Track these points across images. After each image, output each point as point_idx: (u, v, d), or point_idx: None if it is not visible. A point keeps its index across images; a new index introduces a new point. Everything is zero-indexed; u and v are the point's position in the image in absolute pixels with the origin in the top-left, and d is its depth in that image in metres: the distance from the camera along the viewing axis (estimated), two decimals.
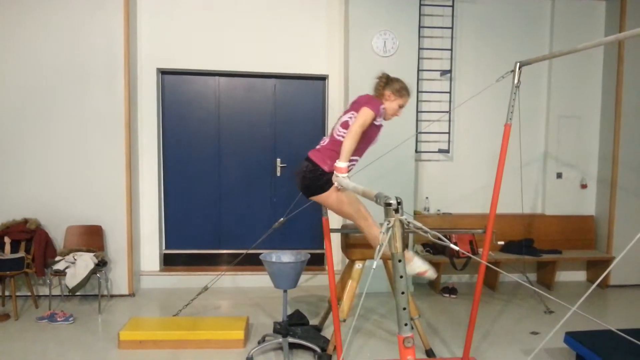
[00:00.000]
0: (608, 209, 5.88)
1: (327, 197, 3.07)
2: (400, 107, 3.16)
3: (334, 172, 2.94)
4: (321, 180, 3.04)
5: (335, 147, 3.03)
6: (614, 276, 5.82)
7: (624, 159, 5.77)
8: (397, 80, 3.16)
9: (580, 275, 6.21)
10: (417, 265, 2.95)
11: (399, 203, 1.66)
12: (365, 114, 2.95)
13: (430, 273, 2.97)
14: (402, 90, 3.14)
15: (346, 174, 2.90)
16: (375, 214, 3.31)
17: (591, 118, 6.05)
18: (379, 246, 1.63)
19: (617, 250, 5.79)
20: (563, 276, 6.12)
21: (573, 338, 3.66)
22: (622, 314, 5.07)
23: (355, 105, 3.10)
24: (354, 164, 3.15)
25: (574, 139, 6.03)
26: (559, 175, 6.04)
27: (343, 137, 3.01)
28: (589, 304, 5.22)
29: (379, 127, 3.13)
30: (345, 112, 3.19)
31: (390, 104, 3.12)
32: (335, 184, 2.94)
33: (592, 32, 5.88)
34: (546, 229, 5.99)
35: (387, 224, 1.63)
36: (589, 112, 6.04)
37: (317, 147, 3.20)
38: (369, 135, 3.07)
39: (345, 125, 3.06)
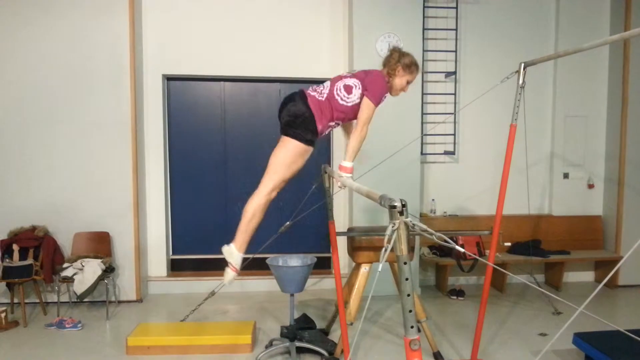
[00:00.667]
0: (616, 209, 5.84)
1: (293, 144, 2.93)
2: (408, 83, 3.10)
3: (339, 170, 2.95)
4: (307, 134, 2.93)
5: (331, 106, 2.96)
6: (623, 276, 5.78)
7: (631, 158, 5.73)
8: (407, 54, 3.08)
9: (589, 276, 6.17)
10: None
11: (403, 205, 1.65)
12: (368, 109, 2.93)
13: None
14: (412, 66, 3.06)
15: (350, 174, 2.91)
16: (379, 217, 3.31)
17: (597, 117, 6.02)
18: (383, 249, 1.63)
19: (626, 250, 5.74)
20: (571, 277, 6.08)
21: (582, 339, 3.64)
22: (632, 314, 5.04)
23: (365, 81, 2.97)
24: (334, 126, 3.10)
25: (580, 138, 6.00)
26: (566, 176, 6.01)
27: (342, 98, 2.95)
28: (597, 305, 5.19)
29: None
30: (353, 76, 3.06)
31: (399, 79, 3.06)
32: (339, 184, 2.94)
33: (597, 31, 5.86)
34: (553, 230, 5.96)
35: (392, 227, 1.63)
36: (595, 111, 6.01)
37: (317, 94, 3.02)
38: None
39: (349, 90, 2.96)
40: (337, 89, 2.99)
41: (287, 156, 2.94)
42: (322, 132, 2.99)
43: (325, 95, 2.99)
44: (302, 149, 2.94)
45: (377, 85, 2.96)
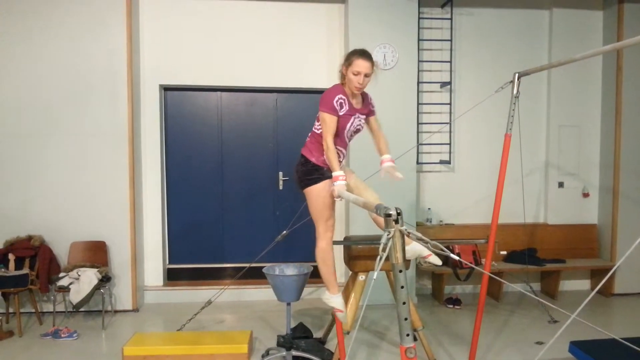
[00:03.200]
0: (611, 217, 5.87)
1: (312, 191, 3.20)
2: (355, 74, 3.03)
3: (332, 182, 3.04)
4: (313, 173, 3.20)
5: (314, 139, 3.24)
6: (618, 285, 5.80)
7: (625, 166, 5.77)
8: (349, 52, 3.15)
9: (585, 284, 6.19)
10: (419, 249, 3.08)
11: (398, 214, 1.67)
12: (324, 121, 3.06)
13: (433, 258, 3.10)
14: (349, 58, 3.07)
15: (342, 182, 2.98)
16: (376, 226, 3.33)
17: (591, 126, 6.07)
18: (378, 257, 1.64)
19: (621, 258, 5.76)
20: (567, 285, 6.09)
21: (578, 347, 3.65)
22: (627, 322, 5.05)
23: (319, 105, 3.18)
24: (339, 154, 3.19)
25: (575, 147, 6.04)
26: (561, 185, 6.05)
27: (317, 129, 3.20)
28: (594, 313, 5.20)
29: (349, 115, 3.12)
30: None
31: (348, 77, 3.07)
32: (335, 194, 2.99)
33: (590, 41, 5.92)
34: (549, 238, 5.99)
35: (387, 235, 1.65)
36: (589, 120, 6.06)
37: (307, 139, 3.34)
38: (341, 125, 3.12)
39: (318, 119, 3.19)
40: (315, 126, 3.26)
41: (313, 203, 3.22)
42: (324, 162, 3.19)
43: (309, 136, 3.31)
44: (317, 189, 3.18)
45: (324, 97, 3.10)
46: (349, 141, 3.31)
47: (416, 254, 3.09)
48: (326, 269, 3.30)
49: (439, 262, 3.13)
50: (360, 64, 3.02)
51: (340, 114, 3.08)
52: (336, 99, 3.06)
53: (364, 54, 3.06)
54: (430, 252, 3.11)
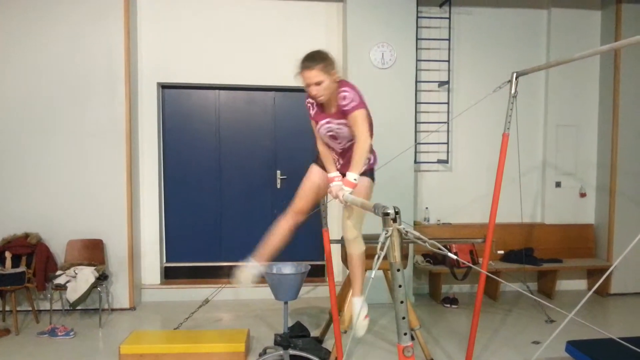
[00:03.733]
0: (607, 217, 5.88)
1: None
2: (306, 85, 2.84)
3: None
4: (315, 156, 3.24)
5: None
6: (615, 284, 5.81)
7: (623, 166, 5.78)
8: None
9: (581, 284, 6.20)
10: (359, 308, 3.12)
11: (396, 212, 1.67)
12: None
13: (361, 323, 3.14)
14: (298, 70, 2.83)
15: (338, 183, 2.95)
16: (374, 225, 3.32)
17: (589, 126, 6.08)
18: (376, 256, 1.64)
19: (617, 258, 5.77)
20: (564, 285, 6.10)
21: (574, 347, 3.65)
22: (624, 322, 5.06)
23: None
24: (333, 148, 3.15)
25: (572, 147, 6.05)
26: (558, 184, 6.05)
27: None
28: (590, 313, 5.21)
29: (315, 121, 3.04)
30: None
31: None
32: (333, 194, 2.96)
33: (588, 41, 5.93)
34: (546, 238, 5.99)
35: (385, 234, 1.65)
36: (587, 120, 6.07)
37: None
38: (318, 131, 3.07)
39: None
40: None
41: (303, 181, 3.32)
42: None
43: None
44: (308, 169, 3.24)
45: None
46: (340, 145, 3.04)
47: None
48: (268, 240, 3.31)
49: (359, 334, 3.19)
50: (305, 76, 2.79)
51: (311, 114, 3.08)
52: (306, 102, 3.10)
53: (302, 64, 2.79)
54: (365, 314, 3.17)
